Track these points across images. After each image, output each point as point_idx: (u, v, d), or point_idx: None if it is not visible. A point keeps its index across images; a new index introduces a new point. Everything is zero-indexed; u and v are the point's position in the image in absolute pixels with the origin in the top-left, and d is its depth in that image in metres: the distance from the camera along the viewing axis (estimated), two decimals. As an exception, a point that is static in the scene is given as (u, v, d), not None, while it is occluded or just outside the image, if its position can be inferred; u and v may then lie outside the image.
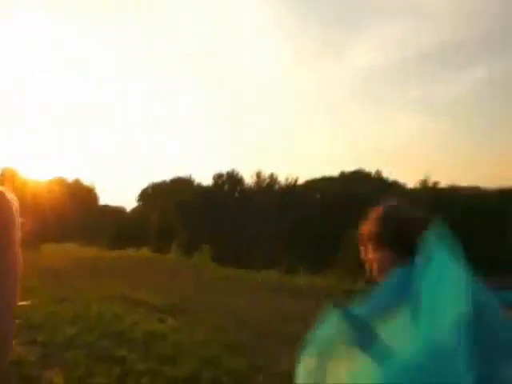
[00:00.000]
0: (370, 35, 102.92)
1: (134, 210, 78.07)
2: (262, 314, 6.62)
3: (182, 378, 4.13)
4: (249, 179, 74.82)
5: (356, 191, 70.86)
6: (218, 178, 74.21)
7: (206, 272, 10.25)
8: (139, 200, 79.93)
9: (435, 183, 71.29)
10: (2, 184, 1.41)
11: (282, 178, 73.88)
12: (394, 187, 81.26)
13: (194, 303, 7.21)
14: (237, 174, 74.44)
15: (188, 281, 9.37)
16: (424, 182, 72.81)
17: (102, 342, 5.05)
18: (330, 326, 1.08)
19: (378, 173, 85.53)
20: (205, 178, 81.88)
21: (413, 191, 73.55)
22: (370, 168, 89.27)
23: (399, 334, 0.93)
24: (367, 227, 1.45)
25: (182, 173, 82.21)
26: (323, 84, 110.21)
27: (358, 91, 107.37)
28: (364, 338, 0.97)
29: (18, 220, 1.31)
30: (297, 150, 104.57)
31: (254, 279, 9.20)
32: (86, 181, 52.63)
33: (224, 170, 75.06)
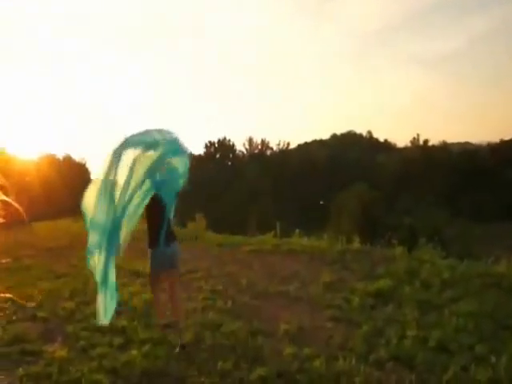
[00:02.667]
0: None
1: (126, 183, 77.61)
2: (259, 277, 6.71)
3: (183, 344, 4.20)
4: (241, 146, 74.28)
5: (347, 154, 70.77)
6: (210, 146, 73.43)
7: (202, 240, 10.30)
8: (131, 173, 79.26)
9: (426, 141, 71.25)
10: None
11: (273, 144, 73.42)
12: (385, 147, 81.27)
13: (191, 270, 7.28)
14: (228, 140, 73.71)
15: (184, 249, 9.43)
16: (414, 141, 72.71)
17: (102, 314, 5.11)
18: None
19: (370, 133, 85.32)
20: (196, 147, 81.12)
21: (404, 150, 73.68)
22: (362, 129, 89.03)
23: None
24: None
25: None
26: (313, 45, 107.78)
27: (349, 52, 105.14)
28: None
29: None
30: (288, 114, 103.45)
31: (249, 244, 9.26)
32: (77, 156, 51.79)
33: (215, 137, 74.21)
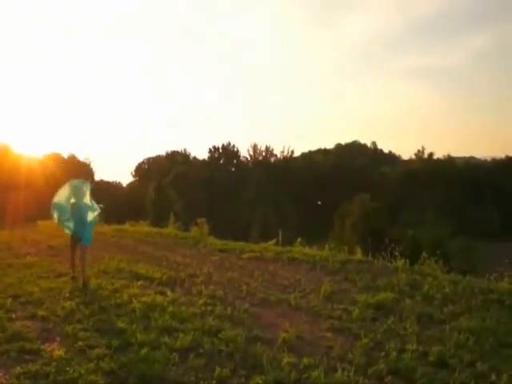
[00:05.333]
0: (365, 4, 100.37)
1: (130, 185, 78.00)
2: (260, 285, 6.69)
3: (181, 349, 4.19)
4: (245, 152, 74.37)
5: (352, 163, 70.71)
6: (214, 151, 73.52)
7: (204, 245, 10.29)
8: (135, 175, 79.62)
9: (430, 154, 71.14)
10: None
11: (278, 151, 73.48)
12: (390, 158, 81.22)
13: (191, 275, 7.27)
14: (233, 146, 73.81)
15: (186, 254, 9.42)
16: (419, 153, 72.55)
17: (101, 315, 5.10)
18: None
19: (374, 144, 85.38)
20: (200, 151, 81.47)
21: (408, 162, 73.45)
22: (366, 139, 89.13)
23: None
24: None
25: (176, 146, 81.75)
26: (318, 55, 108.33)
27: (354, 62, 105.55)
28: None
29: None
30: (293, 122, 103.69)
31: (251, 251, 9.24)
32: (82, 156, 52.25)
33: (219, 142, 74.29)
